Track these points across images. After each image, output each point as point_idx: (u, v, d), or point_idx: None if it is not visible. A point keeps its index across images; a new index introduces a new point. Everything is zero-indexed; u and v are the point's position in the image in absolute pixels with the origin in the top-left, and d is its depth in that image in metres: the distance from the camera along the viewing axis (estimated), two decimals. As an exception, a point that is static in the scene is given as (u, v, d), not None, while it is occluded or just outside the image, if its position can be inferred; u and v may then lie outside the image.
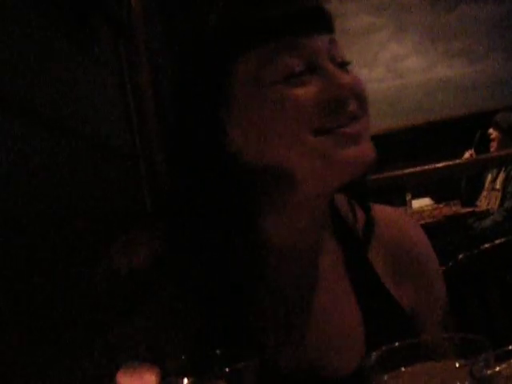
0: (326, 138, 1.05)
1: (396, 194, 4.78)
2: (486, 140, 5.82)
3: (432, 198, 5.97)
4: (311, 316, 1.18)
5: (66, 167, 1.84)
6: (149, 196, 3.13)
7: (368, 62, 6.93)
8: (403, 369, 0.75)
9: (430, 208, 5.51)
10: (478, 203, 5.77)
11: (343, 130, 1.05)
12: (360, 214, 1.25)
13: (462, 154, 5.72)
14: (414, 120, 6.81)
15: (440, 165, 3.63)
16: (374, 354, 0.76)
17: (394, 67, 6.95)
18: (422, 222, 5.15)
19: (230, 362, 0.82)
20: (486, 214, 5.48)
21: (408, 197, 5.36)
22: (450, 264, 1.76)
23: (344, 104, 1.06)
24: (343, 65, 1.12)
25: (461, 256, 1.78)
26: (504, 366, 0.66)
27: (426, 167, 3.66)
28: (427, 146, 6.37)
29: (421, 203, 5.77)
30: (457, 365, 0.70)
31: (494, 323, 1.79)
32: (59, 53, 1.99)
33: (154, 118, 3.35)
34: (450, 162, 3.62)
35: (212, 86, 1.09)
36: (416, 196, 5.78)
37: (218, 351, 0.86)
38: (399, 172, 3.75)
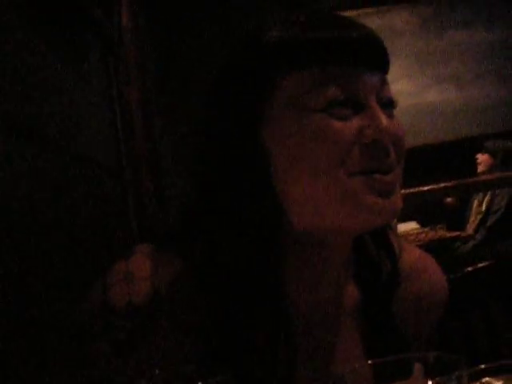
0: (359, 180, 1.01)
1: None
2: (473, 164, 5.86)
3: (418, 222, 5.98)
4: (316, 361, 1.13)
5: (50, 182, 1.84)
6: (134, 214, 3.12)
7: (357, 85, 6.95)
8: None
9: (415, 232, 5.53)
10: (466, 228, 5.80)
11: (381, 177, 1.02)
12: (386, 261, 1.18)
13: (449, 179, 5.74)
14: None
15: (425, 188, 3.63)
16: (347, 371, 0.76)
17: (383, 91, 6.97)
18: (408, 245, 5.17)
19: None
20: (472, 238, 5.51)
21: (393, 220, 5.36)
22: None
23: (385, 151, 1.02)
24: (389, 107, 1.08)
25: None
26: (476, 384, 0.67)
27: (412, 190, 3.66)
28: (414, 169, 6.38)
29: (407, 227, 5.78)
30: (429, 383, 0.70)
31: (477, 345, 1.80)
32: (47, 67, 1.99)
33: (142, 135, 3.35)
34: (436, 186, 3.62)
35: (253, 106, 1.04)
36: (402, 219, 5.80)
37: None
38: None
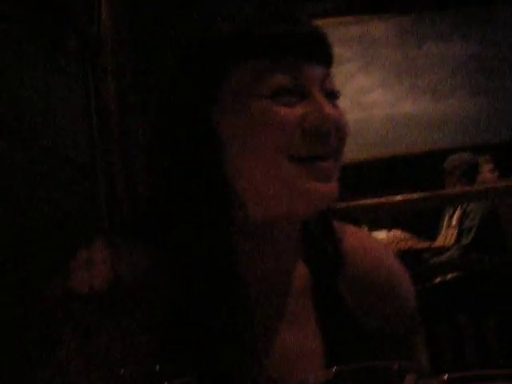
0: (300, 166, 1.07)
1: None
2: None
3: (388, 231, 6.01)
4: (273, 338, 1.17)
5: (23, 176, 1.83)
6: (106, 212, 3.11)
7: (334, 93, 6.97)
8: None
9: (385, 241, 5.55)
10: (437, 240, 5.82)
11: (320, 164, 1.09)
12: (331, 244, 1.26)
13: (423, 189, 5.77)
14: (377, 153, 6.86)
15: (396, 198, 3.64)
16: (311, 377, 0.76)
17: (359, 100, 7.00)
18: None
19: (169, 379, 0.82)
20: (442, 250, 5.52)
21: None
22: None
23: (326, 136, 1.09)
24: (333, 98, 1.15)
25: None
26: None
27: (383, 200, 3.67)
28: (388, 179, 6.41)
29: (377, 236, 5.80)
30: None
31: (442, 356, 1.81)
32: (22, 62, 1.98)
33: (117, 132, 3.33)
34: (406, 196, 3.63)
35: (207, 93, 1.11)
36: (373, 229, 5.81)
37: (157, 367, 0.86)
38: (355, 203, 3.75)
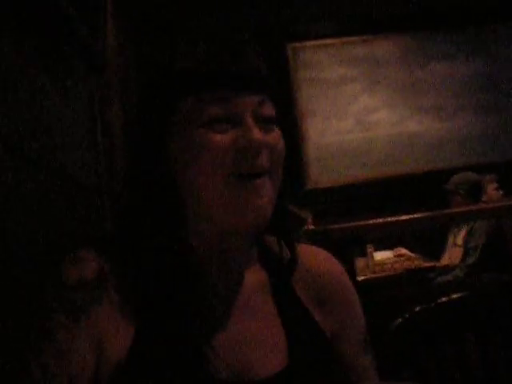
0: (237, 185, 1.26)
1: (358, 246, 4.80)
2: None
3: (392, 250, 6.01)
4: (237, 328, 1.35)
5: (29, 197, 1.83)
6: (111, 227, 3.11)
7: (338, 113, 6.99)
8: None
9: (391, 261, 5.55)
10: (441, 259, 5.81)
11: (253, 181, 1.26)
12: (286, 253, 1.44)
13: (427, 209, 5.77)
14: (381, 173, 6.86)
15: (401, 218, 3.64)
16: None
17: (364, 119, 7.01)
18: (383, 274, 5.18)
19: None
20: (447, 269, 5.51)
21: (370, 248, 5.38)
22: (406, 316, 1.77)
23: (254, 154, 1.26)
24: (268, 123, 1.31)
25: (417, 308, 1.80)
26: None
27: (388, 219, 3.67)
28: (393, 199, 6.41)
29: (382, 255, 5.80)
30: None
31: (445, 376, 1.80)
32: (29, 82, 1.99)
33: (123, 155, 3.34)
34: (412, 216, 3.63)
35: (161, 119, 1.31)
36: (379, 248, 5.81)
37: None
38: (360, 223, 3.76)
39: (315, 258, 1.51)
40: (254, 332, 1.36)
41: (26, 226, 1.77)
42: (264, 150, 1.27)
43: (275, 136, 1.31)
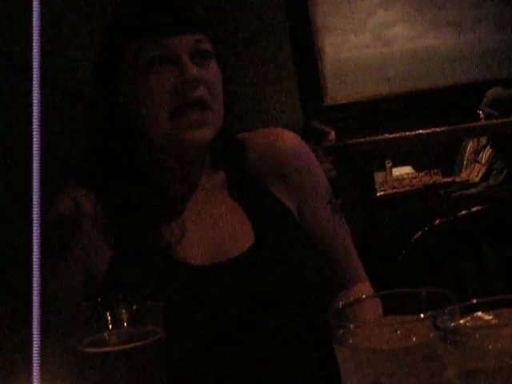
0: (177, 121, 1.41)
1: (377, 161, 4.79)
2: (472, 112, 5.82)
3: (413, 167, 5.99)
4: (202, 218, 1.51)
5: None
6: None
7: (355, 28, 6.91)
8: (368, 319, 0.78)
9: (410, 176, 5.54)
10: (461, 174, 5.80)
11: (192, 116, 1.41)
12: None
13: (446, 124, 5.73)
14: (399, 88, 6.80)
15: (421, 132, 3.61)
16: (341, 304, 0.78)
17: (381, 34, 6.93)
18: (402, 189, 5.18)
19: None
20: (466, 184, 5.50)
21: (388, 164, 5.38)
22: (426, 229, 1.79)
23: (191, 88, 1.41)
24: (207, 58, 1.46)
25: (437, 221, 1.81)
26: (468, 318, 0.68)
27: (407, 133, 3.65)
28: (411, 114, 6.37)
29: (401, 171, 5.79)
30: (421, 316, 0.72)
31: (468, 289, 1.82)
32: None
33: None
34: (431, 130, 3.60)
35: (112, 63, 1.47)
36: (398, 164, 5.80)
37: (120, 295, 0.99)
38: (379, 137, 3.73)
39: (268, 138, 1.60)
40: (219, 220, 1.51)
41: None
42: (201, 84, 1.42)
43: (212, 70, 1.46)
